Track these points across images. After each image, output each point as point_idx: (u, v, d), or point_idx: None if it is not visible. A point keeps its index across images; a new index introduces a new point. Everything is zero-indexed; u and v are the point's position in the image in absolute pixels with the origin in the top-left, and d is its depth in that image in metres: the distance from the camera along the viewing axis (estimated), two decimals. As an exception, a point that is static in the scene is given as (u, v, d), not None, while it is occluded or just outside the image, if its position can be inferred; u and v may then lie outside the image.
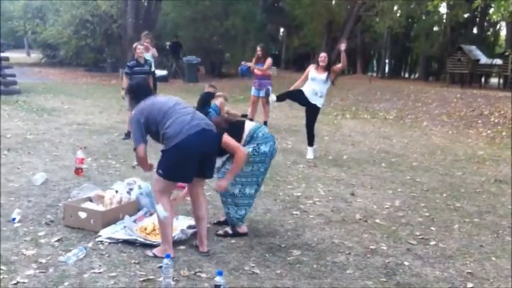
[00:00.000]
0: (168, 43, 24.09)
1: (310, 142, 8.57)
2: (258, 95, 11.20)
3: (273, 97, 8.66)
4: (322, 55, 8.53)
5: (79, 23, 26.18)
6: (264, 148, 4.52)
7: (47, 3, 29.14)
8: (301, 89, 8.52)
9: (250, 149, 4.48)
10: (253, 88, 11.37)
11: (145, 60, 9.33)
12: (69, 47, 27.49)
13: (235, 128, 4.56)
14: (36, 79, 20.94)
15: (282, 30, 41.54)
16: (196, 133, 3.85)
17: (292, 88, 8.82)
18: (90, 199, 4.87)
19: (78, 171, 6.34)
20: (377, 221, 5.31)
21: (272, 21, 34.79)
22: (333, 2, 31.06)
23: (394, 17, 27.76)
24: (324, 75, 8.33)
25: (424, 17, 31.99)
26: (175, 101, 4.08)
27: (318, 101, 8.41)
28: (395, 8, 28.65)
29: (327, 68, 8.39)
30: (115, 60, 27.03)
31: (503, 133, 12.23)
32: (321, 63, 8.40)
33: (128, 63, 9.24)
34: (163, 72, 22.06)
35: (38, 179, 5.85)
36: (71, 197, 5.09)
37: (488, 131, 12.62)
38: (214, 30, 26.29)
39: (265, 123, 11.27)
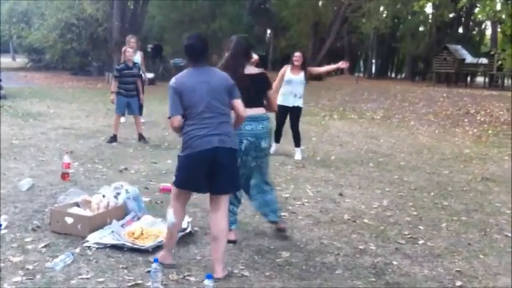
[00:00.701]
0: (149, 46, 24.12)
1: (297, 143, 8.58)
2: None
3: (272, 149, 8.43)
4: (297, 54, 8.50)
5: (64, 26, 26.09)
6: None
7: (32, 7, 28.99)
8: (278, 103, 8.42)
9: None
10: None
11: (134, 63, 9.35)
12: (54, 51, 27.40)
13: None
14: (21, 84, 20.80)
15: (268, 31, 41.64)
16: (206, 150, 3.69)
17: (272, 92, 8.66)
18: (77, 204, 4.82)
19: (64, 176, 6.29)
20: (365, 221, 5.32)
21: (259, 23, 34.88)
22: (320, 4, 31.17)
23: (380, 18, 27.94)
24: (300, 76, 8.31)
25: (409, 17, 32.25)
26: (206, 104, 3.73)
27: (298, 102, 8.41)
28: (381, 8, 28.85)
29: (303, 67, 8.36)
30: (101, 64, 26.95)
31: (490, 131, 12.33)
32: (295, 63, 8.36)
33: (117, 67, 9.27)
34: (151, 75, 22.06)
35: (24, 185, 5.79)
36: (58, 202, 5.04)
37: (475, 130, 12.71)
38: (201, 32, 26.29)
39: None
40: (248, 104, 4.21)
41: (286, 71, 8.43)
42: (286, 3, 29.79)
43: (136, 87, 9.27)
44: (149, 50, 24.42)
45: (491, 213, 5.84)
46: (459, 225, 5.36)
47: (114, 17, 25.31)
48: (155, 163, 7.55)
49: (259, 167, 4.63)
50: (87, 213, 4.64)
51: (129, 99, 9.11)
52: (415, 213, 5.71)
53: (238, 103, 3.92)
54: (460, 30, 37.37)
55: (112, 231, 4.35)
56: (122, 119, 11.18)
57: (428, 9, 31.52)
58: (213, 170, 3.76)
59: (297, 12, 29.76)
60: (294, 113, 8.48)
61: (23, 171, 6.63)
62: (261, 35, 40.17)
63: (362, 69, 44.05)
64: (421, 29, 36.29)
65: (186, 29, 26.34)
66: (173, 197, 3.92)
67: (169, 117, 3.81)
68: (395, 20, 33.57)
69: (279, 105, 8.33)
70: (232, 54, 4.50)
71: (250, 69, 4.62)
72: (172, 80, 3.86)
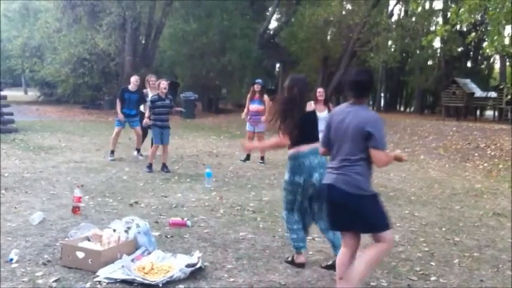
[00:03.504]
0: (168, 82, 24.47)
1: None
2: (254, 131, 11.26)
3: None
4: (320, 90, 8.64)
5: (77, 61, 26.44)
6: (297, 179, 4.65)
7: (45, 42, 29.47)
8: None
9: (287, 178, 4.72)
10: (248, 124, 11.42)
11: (166, 95, 9.81)
12: (66, 85, 27.73)
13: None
14: (33, 117, 21.02)
15: (278, 65, 41.98)
16: (324, 185, 3.95)
17: None
18: (88, 238, 4.84)
19: (75, 209, 6.32)
20: (377, 256, 5.27)
21: (268, 57, 35.14)
22: (328, 38, 31.46)
23: (389, 52, 28.11)
24: (324, 113, 8.47)
25: (418, 52, 32.41)
26: (340, 146, 3.87)
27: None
28: (389, 43, 29.05)
29: (325, 102, 8.51)
30: (112, 98, 27.19)
31: (500, 166, 12.25)
32: (319, 98, 8.50)
33: (150, 98, 9.94)
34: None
35: (35, 219, 5.82)
36: (69, 237, 5.06)
37: (485, 164, 12.64)
38: (211, 66, 26.58)
39: (262, 158, 11.31)
40: (315, 139, 4.69)
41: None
42: (295, 38, 30.09)
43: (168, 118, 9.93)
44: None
45: (504, 249, 5.77)
46: (471, 261, 5.31)
47: (126, 51, 25.71)
48: (165, 197, 7.56)
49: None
50: (98, 247, 4.65)
51: (163, 130, 9.68)
52: (426, 249, 5.66)
53: (374, 153, 3.74)
54: (469, 64, 37.51)
55: (122, 266, 4.35)
56: (135, 153, 11.37)
57: (437, 43, 31.79)
58: (330, 206, 3.92)
59: (306, 47, 30.02)
60: None
61: (34, 204, 6.66)
62: (270, 68, 40.52)
63: (371, 102, 44.17)
64: (429, 62, 36.49)
65: (197, 63, 26.65)
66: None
67: None
68: (404, 54, 33.80)
69: None
70: (300, 92, 4.74)
71: (309, 106, 4.87)
72: (333, 110, 4.10)
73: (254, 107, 11.21)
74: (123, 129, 11.17)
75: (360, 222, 3.82)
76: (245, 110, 11.39)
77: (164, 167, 9.66)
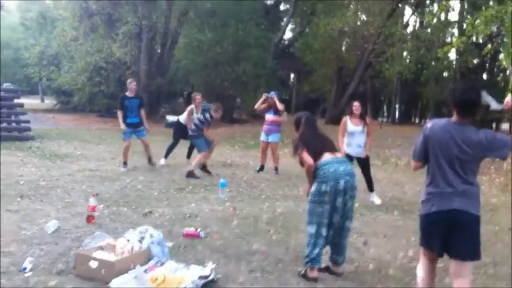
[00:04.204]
0: (185, 92, 24.68)
1: (371, 187, 8.90)
2: (267, 140, 11.26)
3: None
4: (356, 104, 8.66)
5: (93, 69, 26.65)
6: (324, 187, 4.69)
7: (63, 51, 29.74)
8: (346, 151, 8.51)
9: (313, 189, 4.77)
10: (262, 134, 11.43)
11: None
12: (82, 93, 27.96)
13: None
14: (49, 125, 21.22)
15: (292, 75, 42.05)
16: (442, 212, 3.66)
17: (339, 144, 8.65)
18: (101, 248, 4.86)
19: (89, 218, 6.35)
20: (390, 272, 5.23)
21: (283, 67, 35.21)
22: (343, 49, 31.43)
23: (404, 63, 28.03)
24: (360, 127, 8.53)
25: (433, 63, 32.27)
26: (451, 168, 3.66)
27: (361, 151, 8.68)
28: (404, 54, 28.97)
29: (361, 116, 8.54)
30: (128, 106, 27.35)
31: (516, 180, 12.11)
32: (355, 111, 8.53)
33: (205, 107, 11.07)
34: (175, 119, 22.31)
35: (50, 227, 5.86)
36: (83, 246, 5.08)
37: (501, 178, 12.51)
38: (226, 76, 26.65)
39: (275, 169, 11.29)
40: (333, 150, 4.92)
41: (347, 122, 8.56)
42: (310, 48, 30.10)
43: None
44: (185, 96, 24.85)
45: (520, 266, 5.70)
46: (486, 278, 5.24)
47: (141, 60, 25.92)
48: (179, 206, 7.58)
49: (350, 208, 4.95)
50: (112, 257, 4.66)
51: (205, 138, 10.73)
52: (441, 264, 5.55)
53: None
54: (485, 76, 37.29)
55: (135, 277, 4.36)
56: (162, 161, 11.50)
57: (452, 55, 31.65)
58: (450, 231, 3.66)
59: (321, 57, 30.02)
60: (363, 161, 8.71)
61: (49, 213, 6.71)
62: (284, 79, 40.61)
63: (385, 114, 44.03)
64: (445, 74, 36.31)
65: (212, 73, 26.75)
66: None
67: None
68: (419, 65, 33.67)
69: (346, 154, 8.48)
70: (306, 118, 5.13)
71: None
72: (429, 124, 3.84)
73: (269, 117, 11.25)
74: (131, 140, 10.99)
75: (476, 244, 3.70)
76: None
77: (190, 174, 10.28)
